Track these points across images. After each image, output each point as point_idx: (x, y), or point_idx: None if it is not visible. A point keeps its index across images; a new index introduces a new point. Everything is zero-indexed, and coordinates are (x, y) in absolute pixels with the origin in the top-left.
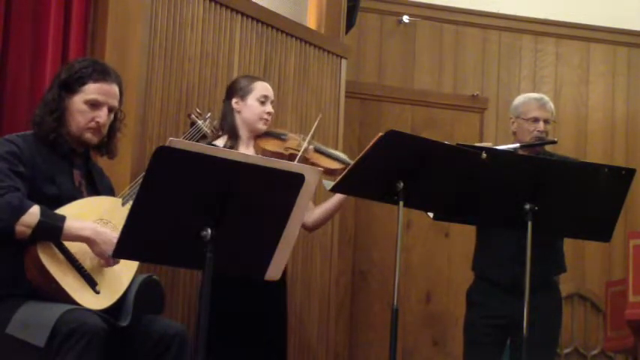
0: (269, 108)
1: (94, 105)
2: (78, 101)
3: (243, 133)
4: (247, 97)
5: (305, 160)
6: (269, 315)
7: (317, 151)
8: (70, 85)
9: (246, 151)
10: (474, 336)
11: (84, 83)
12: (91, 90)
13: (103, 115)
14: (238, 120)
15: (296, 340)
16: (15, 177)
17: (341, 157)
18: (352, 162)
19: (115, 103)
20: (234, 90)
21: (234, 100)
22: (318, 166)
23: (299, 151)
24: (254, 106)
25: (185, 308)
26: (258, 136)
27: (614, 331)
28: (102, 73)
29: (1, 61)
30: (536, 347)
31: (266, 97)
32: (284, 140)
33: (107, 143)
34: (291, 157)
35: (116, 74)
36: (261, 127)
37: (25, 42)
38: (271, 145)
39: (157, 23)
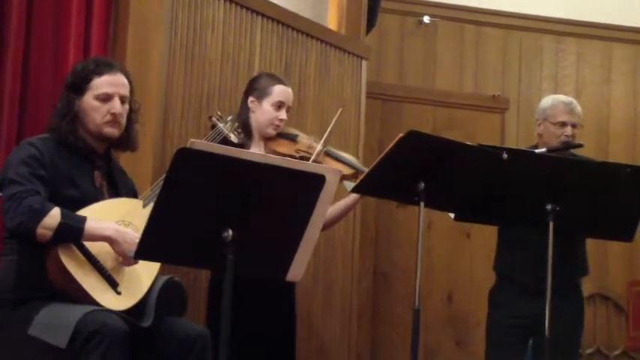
0: (283, 115)
1: (104, 99)
2: (88, 99)
3: (254, 132)
4: (264, 100)
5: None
6: (278, 315)
7: (328, 154)
8: (77, 85)
9: (257, 149)
10: (496, 336)
11: (89, 80)
12: (98, 84)
13: (116, 106)
14: (251, 119)
15: (318, 341)
16: (36, 180)
17: (352, 162)
18: (362, 166)
19: (126, 92)
20: (253, 88)
21: (250, 99)
22: None
23: (310, 153)
24: (268, 111)
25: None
26: (269, 137)
27: (637, 331)
28: (105, 66)
29: (22, 66)
30: (558, 348)
31: (282, 103)
32: (295, 142)
33: (126, 136)
34: (302, 160)
35: (119, 64)
36: (271, 132)
37: (47, 46)
38: (282, 146)
39: (177, 25)
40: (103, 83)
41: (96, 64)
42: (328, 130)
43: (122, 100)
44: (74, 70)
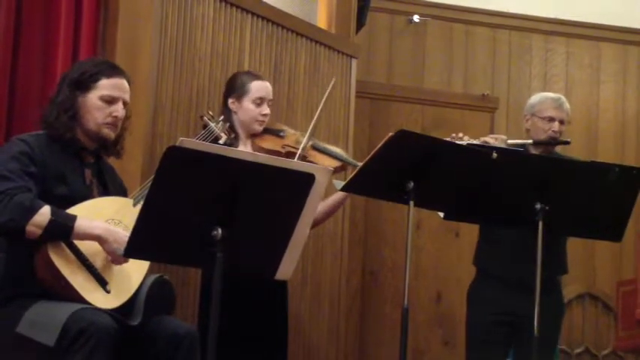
0: (265, 110)
1: (109, 101)
2: (93, 98)
3: (240, 131)
4: (243, 99)
5: (303, 158)
6: (269, 314)
7: (315, 148)
8: (83, 83)
9: (244, 148)
10: (477, 334)
11: (97, 80)
12: (105, 85)
13: (119, 109)
14: (235, 119)
15: (306, 340)
16: (26, 177)
17: (339, 155)
18: (350, 159)
19: (128, 97)
20: (232, 89)
21: (230, 100)
22: (316, 163)
23: (296, 148)
24: (250, 109)
25: (196, 308)
26: (255, 133)
27: (625, 330)
28: (113, 69)
29: (12, 62)
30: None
31: (262, 98)
32: (282, 137)
33: (115, 142)
34: (288, 155)
35: (124, 70)
36: (257, 128)
37: (36, 43)
38: (269, 143)
39: (167, 23)
40: (110, 85)
41: (106, 66)
42: (314, 120)
43: (124, 105)
44: (80, 66)
